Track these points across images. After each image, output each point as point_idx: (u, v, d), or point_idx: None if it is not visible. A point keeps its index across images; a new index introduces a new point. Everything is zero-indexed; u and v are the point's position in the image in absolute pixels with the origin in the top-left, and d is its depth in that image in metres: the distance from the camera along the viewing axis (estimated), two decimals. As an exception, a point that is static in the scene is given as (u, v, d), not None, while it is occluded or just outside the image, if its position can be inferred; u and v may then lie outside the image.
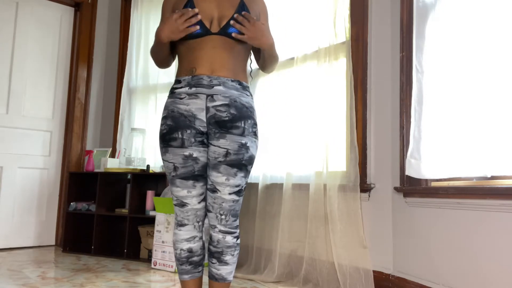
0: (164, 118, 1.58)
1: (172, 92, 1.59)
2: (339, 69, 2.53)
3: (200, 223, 1.62)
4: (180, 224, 1.60)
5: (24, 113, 3.72)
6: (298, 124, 2.65)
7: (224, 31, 1.52)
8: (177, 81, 1.58)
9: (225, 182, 1.52)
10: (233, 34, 1.52)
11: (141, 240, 3.29)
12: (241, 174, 1.54)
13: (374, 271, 2.27)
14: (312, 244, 2.47)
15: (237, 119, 1.52)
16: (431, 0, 2.11)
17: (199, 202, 1.59)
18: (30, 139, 3.73)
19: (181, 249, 1.60)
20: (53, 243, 3.81)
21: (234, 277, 2.64)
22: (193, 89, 1.53)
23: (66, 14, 4.01)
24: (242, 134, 1.53)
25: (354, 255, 2.31)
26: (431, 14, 2.09)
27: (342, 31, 2.52)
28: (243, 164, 1.54)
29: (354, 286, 2.26)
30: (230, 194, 1.54)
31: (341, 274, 2.30)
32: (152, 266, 2.93)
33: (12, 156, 3.62)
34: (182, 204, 1.58)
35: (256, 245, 2.80)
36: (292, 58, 2.76)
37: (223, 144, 1.51)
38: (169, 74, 3.63)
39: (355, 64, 2.47)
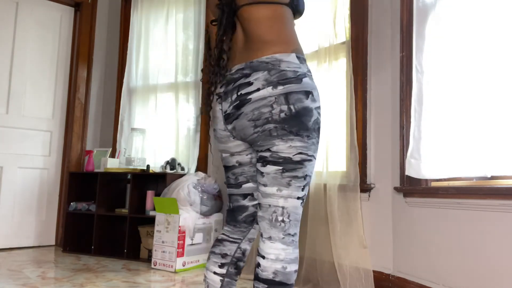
0: (320, 107, 1.14)
1: (311, 76, 1.15)
2: (339, 69, 2.53)
3: None
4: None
5: (24, 113, 3.72)
6: (298, 124, 2.65)
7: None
8: (304, 60, 1.15)
9: None
10: None
11: (141, 240, 3.29)
12: None
13: (374, 271, 2.27)
14: (312, 244, 2.47)
15: None
16: (431, 0, 2.11)
17: None
18: (30, 139, 3.73)
19: None
20: (53, 243, 3.81)
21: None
22: None
23: (66, 14, 4.01)
24: None
25: (354, 255, 2.31)
26: (431, 14, 2.09)
27: (342, 31, 2.52)
28: None
29: (354, 286, 2.26)
30: None
31: (341, 274, 2.30)
32: (152, 266, 2.93)
33: (12, 156, 3.62)
34: None
35: (256, 245, 2.80)
36: (292, 58, 2.76)
37: None
38: (169, 74, 3.63)
39: (355, 64, 2.47)
